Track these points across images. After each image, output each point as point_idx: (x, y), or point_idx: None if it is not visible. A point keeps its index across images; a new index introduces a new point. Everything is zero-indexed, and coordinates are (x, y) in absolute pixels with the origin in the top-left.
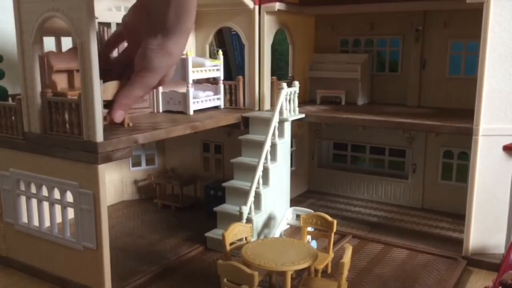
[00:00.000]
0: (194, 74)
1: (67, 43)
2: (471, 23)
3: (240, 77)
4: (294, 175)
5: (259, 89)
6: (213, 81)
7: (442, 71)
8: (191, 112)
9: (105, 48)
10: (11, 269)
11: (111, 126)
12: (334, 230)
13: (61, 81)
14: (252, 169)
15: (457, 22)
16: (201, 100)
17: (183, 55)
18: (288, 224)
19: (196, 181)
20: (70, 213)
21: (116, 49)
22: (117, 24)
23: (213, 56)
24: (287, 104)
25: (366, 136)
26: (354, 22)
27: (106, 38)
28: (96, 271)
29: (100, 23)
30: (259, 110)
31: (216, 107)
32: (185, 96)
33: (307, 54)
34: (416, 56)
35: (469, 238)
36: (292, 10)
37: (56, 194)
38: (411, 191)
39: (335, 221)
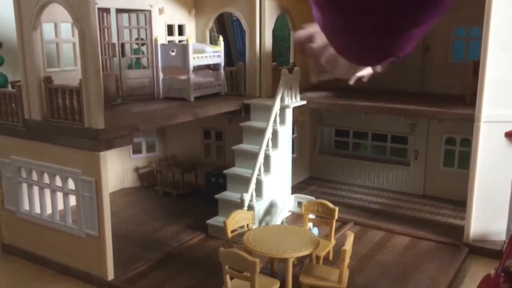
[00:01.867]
0: (194, 60)
1: (66, 29)
2: (474, 8)
3: (241, 63)
4: (295, 162)
5: (260, 76)
6: (214, 68)
7: (445, 57)
8: (192, 99)
9: None
10: (13, 256)
11: None
12: (336, 217)
13: None
14: (253, 156)
15: (460, 7)
16: (201, 86)
17: (183, 41)
18: (289, 211)
19: (197, 168)
20: (72, 200)
21: None
22: (117, 10)
23: (213, 42)
24: (288, 91)
25: (368, 123)
26: None
27: (105, 23)
28: (98, 258)
29: (99, 9)
30: (260, 96)
31: (217, 94)
32: (185, 83)
33: None
34: (419, 41)
35: (470, 225)
36: None
37: (58, 182)
38: (413, 178)
39: (336, 208)
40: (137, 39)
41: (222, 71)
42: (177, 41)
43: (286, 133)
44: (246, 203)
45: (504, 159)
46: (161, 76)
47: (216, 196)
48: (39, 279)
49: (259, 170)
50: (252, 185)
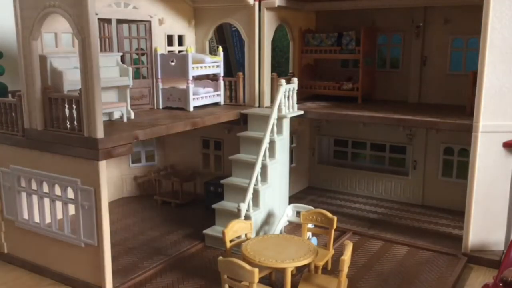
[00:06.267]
0: (194, 70)
1: (66, 39)
2: (472, 19)
3: (240, 74)
4: (294, 171)
5: (259, 86)
6: (213, 78)
7: (442, 68)
8: (191, 109)
9: None
10: (12, 265)
11: None
12: (335, 226)
13: None
14: (251, 166)
15: (458, 18)
16: (201, 96)
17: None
18: (288, 221)
19: (196, 178)
20: (71, 209)
21: None
22: (117, 20)
23: (213, 52)
24: (286, 101)
25: (367, 133)
26: (355, 18)
27: (106, 34)
28: (97, 268)
29: (100, 20)
30: (259, 106)
31: (216, 104)
32: (185, 93)
33: None
34: (417, 52)
35: (469, 235)
36: (293, 6)
37: (57, 191)
38: (412, 188)
39: (335, 218)
40: (137, 49)
41: (221, 81)
42: (176, 52)
43: (283, 143)
44: (243, 213)
45: (502, 169)
46: (160, 85)
47: (213, 205)
48: None
49: (256, 180)
50: (249, 195)
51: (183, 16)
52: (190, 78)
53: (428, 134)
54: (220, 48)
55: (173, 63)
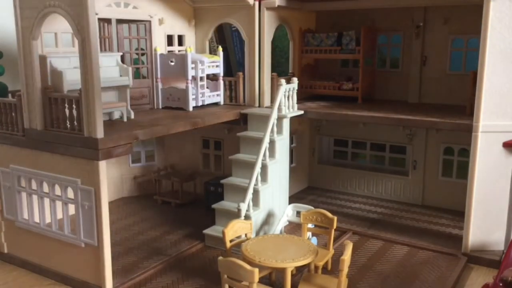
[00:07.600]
0: (193, 70)
1: (66, 39)
2: (472, 19)
3: (240, 73)
4: (294, 171)
5: (259, 86)
6: (213, 77)
7: (442, 67)
8: (191, 109)
9: None
10: (12, 265)
11: None
12: (335, 226)
13: None
14: (251, 166)
15: (458, 18)
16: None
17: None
18: (288, 220)
19: (195, 178)
20: (71, 209)
21: None
22: (117, 20)
23: (213, 52)
24: (286, 101)
25: (367, 133)
26: (355, 18)
27: (106, 34)
28: (97, 267)
29: (100, 19)
30: (259, 106)
31: (216, 103)
32: (184, 92)
33: None
34: (417, 52)
35: (469, 235)
36: (293, 6)
37: (57, 191)
38: (412, 188)
39: (335, 218)
40: (137, 49)
41: (221, 81)
42: (176, 51)
43: (283, 143)
44: (243, 213)
45: (502, 169)
46: (160, 85)
47: (213, 205)
48: None
49: (256, 179)
50: (249, 195)
51: (183, 16)
52: (189, 78)
53: (428, 134)
54: (220, 48)
55: (172, 63)
